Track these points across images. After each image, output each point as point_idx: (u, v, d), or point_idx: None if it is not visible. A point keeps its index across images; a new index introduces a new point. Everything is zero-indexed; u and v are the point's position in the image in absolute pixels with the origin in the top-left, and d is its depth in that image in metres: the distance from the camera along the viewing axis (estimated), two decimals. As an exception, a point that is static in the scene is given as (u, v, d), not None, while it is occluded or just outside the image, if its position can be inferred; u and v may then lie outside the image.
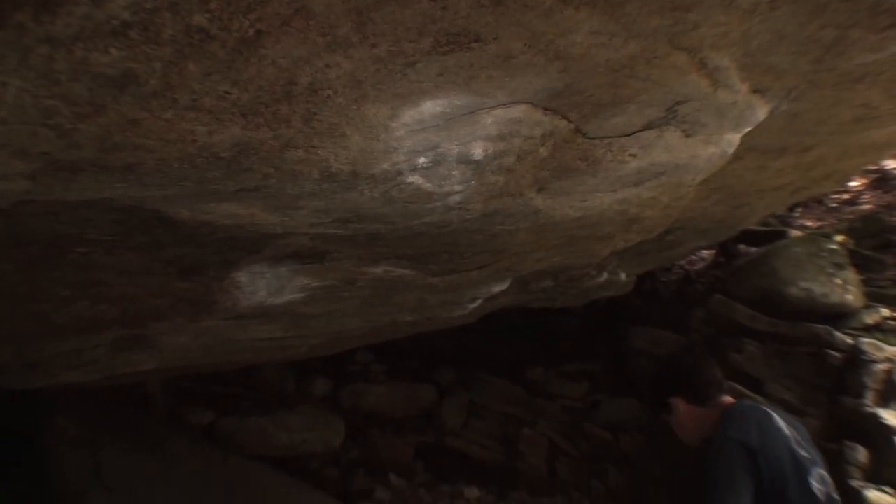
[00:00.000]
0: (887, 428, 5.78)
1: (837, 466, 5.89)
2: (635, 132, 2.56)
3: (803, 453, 3.04)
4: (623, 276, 6.18)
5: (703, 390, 3.35)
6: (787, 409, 6.51)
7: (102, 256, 2.57)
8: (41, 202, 1.96)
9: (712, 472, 3.01)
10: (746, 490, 2.89)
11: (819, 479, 3.02)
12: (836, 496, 3.06)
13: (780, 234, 8.23)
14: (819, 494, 2.98)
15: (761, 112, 2.82)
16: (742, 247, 8.52)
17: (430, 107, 1.85)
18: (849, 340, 6.52)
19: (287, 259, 3.08)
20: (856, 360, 6.34)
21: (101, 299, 2.98)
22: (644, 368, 8.21)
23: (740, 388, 6.75)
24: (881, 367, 6.19)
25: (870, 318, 6.76)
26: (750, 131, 3.01)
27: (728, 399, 3.34)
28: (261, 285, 3.23)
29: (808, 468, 3.01)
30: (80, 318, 3.07)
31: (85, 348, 3.55)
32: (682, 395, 3.37)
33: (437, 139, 2.06)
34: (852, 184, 8.92)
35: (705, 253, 8.97)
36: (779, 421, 3.13)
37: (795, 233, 8.26)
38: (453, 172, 2.31)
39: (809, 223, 8.78)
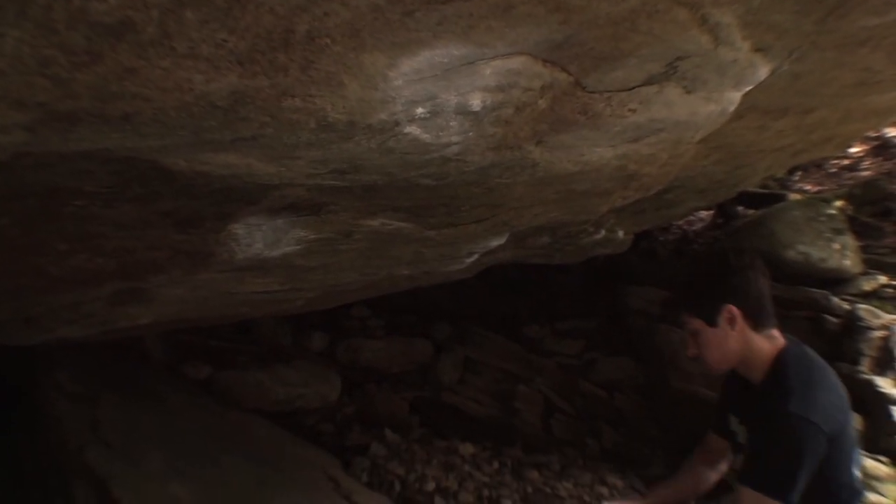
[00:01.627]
0: (883, 396, 5.82)
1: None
2: (635, 87, 2.55)
3: (853, 432, 2.76)
4: (621, 233, 6.18)
5: (765, 308, 2.90)
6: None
7: (100, 209, 2.56)
8: (39, 154, 1.96)
9: (782, 459, 2.58)
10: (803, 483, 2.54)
11: (859, 466, 2.81)
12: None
13: (779, 197, 8.26)
14: (858, 486, 2.78)
15: (762, 71, 2.81)
16: (741, 208, 8.56)
17: (429, 56, 1.84)
18: (846, 306, 6.57)
19: (284, 211, 3.07)
20: (852, 327, 6.38)
21: (99, 252, 2.98)
22: (640, 328, 8.24)
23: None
24: (877, 334, 6.24)
25: (867, 285, 6.81)
26: (751, 90, 3.00)
27: (779, 335, 2.93)
28: (257, 237, 3.23)
29: (856, 454, 2.80)
30: (79, 271, 3.08)
31: (83, 302, 3.56)
32: (739, 307, 2.82)
33: (436, 89, 2.05)
34: (853, 150, 8.96)
35: (704, 213, 9.00)
36: (841, 386, 2.81)
37: (794, 196, 8.27)
38: (451, 123, 2.31)
39: (809, 187, 8.82)
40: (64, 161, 2.08)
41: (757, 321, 2.84)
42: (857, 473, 2.77)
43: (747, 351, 2.84)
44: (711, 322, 2.84)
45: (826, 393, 2.68)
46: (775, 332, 2.91)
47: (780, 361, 2.80)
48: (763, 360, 2.83)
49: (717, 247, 7.63)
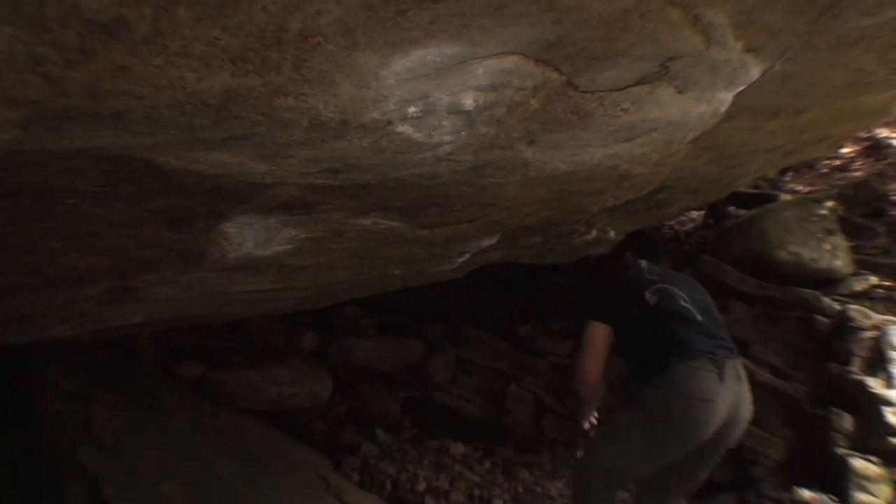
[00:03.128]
0: (874, 396, 5.83)
1: (823, 433, 5.95)
2: (627, 87, 2.55)
3: (650, 276, 4.03)
4: (612, 233, 6.18)
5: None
6: (774, 372, 6.60)
7: (92, 207, 2.56)
8: (31, 152, 1.95)
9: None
10: None
11: (656, 291, 3.92)
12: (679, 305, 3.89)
13: (771, 198, 8.27)
14: (651, 302, 3.88)
15: (755, 71, 2.82)
16: (732, 208, 8.56)
17: (421, 56, 1.84)
18: (837, 306, 6.59)
19: (275, 210, 3.07)
20: (843, 327, 6.40)
21: (92, 251, 2.98)
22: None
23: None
24: (868, 334, 6.25)
25: (858, 285, 6.83)
26: (743, 91, 3.01)
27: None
28: (249, 236, 3.23)
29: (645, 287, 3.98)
30: (71, 269, 3.07)
31: (76, 300, 3.56)
32: None
33: (428, 89, 2.05)
34: (844, 150, 8.98)
35: (695, 214, 9.01)
36: (642, 263, 4.25)
37: (786, 196, 8.28)
38: (443, 123, 2.31)
39: (800, 188, 8.83)
40: (56, 159, 2.08)
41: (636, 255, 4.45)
42: (650, 295, 3.96)
43: None
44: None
45: (621, 265, 4.43)
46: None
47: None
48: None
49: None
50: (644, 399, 3.67)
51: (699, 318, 3.73)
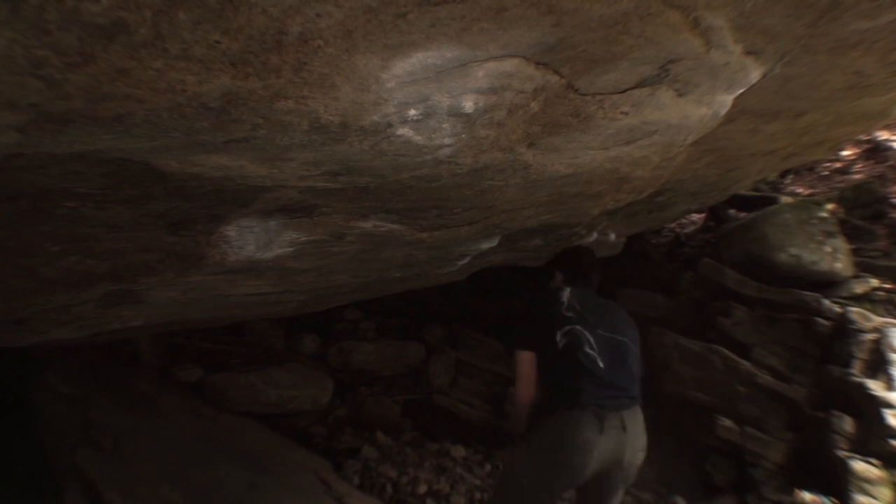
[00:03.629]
0: (874, 398, 5.83)
1: (823, 435, 5.95)
2: (627, 90, 2.55)
3: (568, 314, 3.98)
4: (613, 236, 6.19)
5: (574, 273, 4.41)
6: (774, 375, 6.60)
7: (92, 210, 2.56)
8: (30, 155, 1.95)
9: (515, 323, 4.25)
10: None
11: (566, 334, 3.91)
12: (588, 347, 3.90)
13: (771, 200, 8.26)
14: (560, 345, 3.87)
15: (754, 74, 2.82)
16: (732, 211, 8.55)
17: (422, 59, 1.84)
18: (837, 309, 6.58)
19: (276, 213, 3.07)
20: (844, 329, 6.40)
21: (91, 254, 2.97)
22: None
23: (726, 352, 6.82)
24: (869, 336, 6.24)
25: (859, 288, 6.82)
26: (743, 94, 3.01)
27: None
28: (249, 239, 3.23)
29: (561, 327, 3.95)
30: (70, 272, 3.07)
31: (74, 304, 3.55)
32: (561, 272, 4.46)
33: (428, 91, 2.05)
34: (844, 153, 8.97)
35: (696, 216, 9.01)
36: (566, 293, 4.14)
37: (786, 199, 8.27)
38: (444, 125, 2.31)
39: (800, 190, 8.81)
40: (55, 162, 2.07)
41: (566, 276, 4.40)
42: (560, 337, 3.90)
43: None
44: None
45: (545, 294, 4.25)
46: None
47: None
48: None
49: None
50: (537, 433, 3.85)
51: (601, 365, 3.78)
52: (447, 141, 2.45)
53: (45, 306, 3.48)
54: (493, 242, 4.59)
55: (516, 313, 4.33)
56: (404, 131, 2.26)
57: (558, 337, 3.82)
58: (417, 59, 1.84)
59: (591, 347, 3.79)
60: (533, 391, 3.91)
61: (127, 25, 1.37)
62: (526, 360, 3.92)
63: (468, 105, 2.23)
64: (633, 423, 3.87)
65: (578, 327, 3.85)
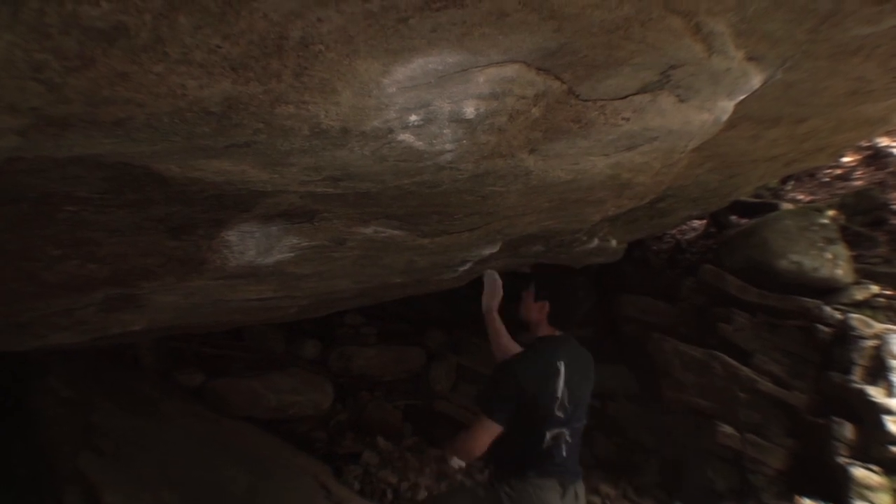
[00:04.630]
0: (875, 405, 5.84)
1: (824, 442, 5.95)
2: (629, 95, 2.55)
3: (559, 413, 3.68)
4: (614, 242, 6.19)
5: (564, 316, 3.90)
6: (775, 381, 6.61)
7: (93, 214, 2.56)
8: (31, 159, 1.95)
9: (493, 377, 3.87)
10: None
11: (554, 436, 3.70)
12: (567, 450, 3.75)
13: (772, 207, 8.26)
14: (546, 445, 3.69)
15: (756, 80, 2.82)
16: (734, 218, 8.55)
17: (423, 64, 1.84)
18: (838, 315, 6.59)
19: (277, 218, 3.07)
20: (845, 336, 6.40)
21: (92, 258, 2.97)
22: (634, 336, 8.25)
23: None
24: (870, 343, 6.25)
25: (860, 294, 6.82)
26: (744, 100, 3.01)
27: (561, 333, 3.90)
28: (250, 245, 3.23)
29: (550, 423, 3.69)
30: (71, 276, 3.07)
31: (75, 308, 3.55)
32: (550, 308, 3.84)
33: (429, 97, 2.05)
34: (845, 159, 8.96)
35: (697, 223, 9.00)
36: (561, 378, 3.70)
37: (787, 206, 8.27)
38: (445, 131, 2.31)
39: (801, 197, 8.81)
40: (56, 166, 2.07)
41: (553, 318, 3.85)
42: (549, 438, 3.67)
43: (534, 326, 3.93)
44: (537, 299, 3.88)
45: (539, 365, 3.71)
46: (560, 332, 3.89)
47: (539, 338, 3.88)
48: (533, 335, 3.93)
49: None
50: (502, 497, 3.76)
51: (569, 440, 3.75)
52: (448, 147, 2.44)
53: (46, 310, 3.48)
54: (495, 248, 4.59)
55: (500, 366, 3.71)
56: (405, 137, 2.25)
57: (547, 437, 3.67)
58: (418, 65, 1.84)
59: (566, 441, 3.75)
60: (478, 457, 3.83)
61: (127, 29, 1.37)
62: (490, 432, 3.63)
63: (469, 111, 2.23)
64: (583, 493, 3.95)
65: (565, 430, 3.74)
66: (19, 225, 2.52)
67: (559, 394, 3.66)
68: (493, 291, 4.47)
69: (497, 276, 4.48)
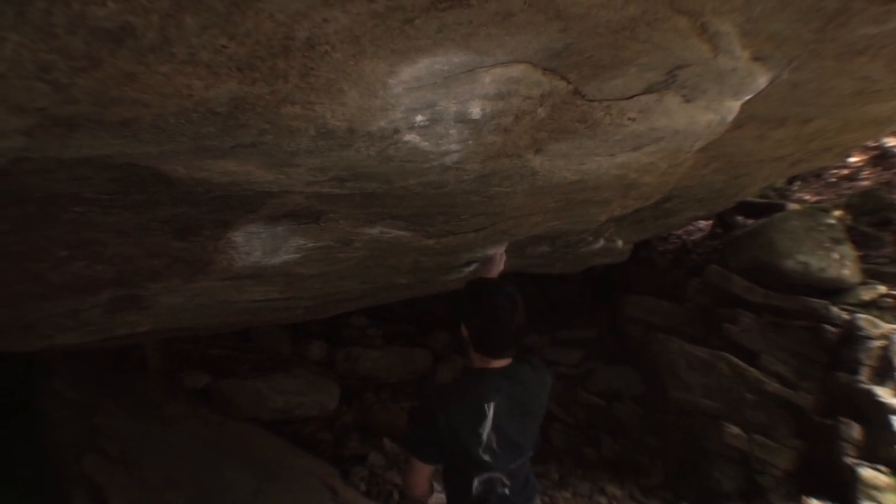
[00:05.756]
0: (882, 405, 5.83)
1: (831, 442, 5.94)
2: (635, 95, 2.55)
3: (486, 457, 3.23)
4: (620, 243, 6.18)
5: (488, 340, 3.26)
6: (782, 382, 6.60)
7: (99, 215, 2.56)
8: (38, 160, 1.95)
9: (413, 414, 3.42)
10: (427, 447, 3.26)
11: (484, 481, 3.31)
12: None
13: (778, 207, 8.26)
14: (476, 491, 3.30)
15: (762, 80, 2.82)
16: (740, 218, 8.55)
17: (429, 64, 1.84)
18: (845, 316, 6.58)
19: (283, 218, 3.07)
20: (852, 336, 6.39)
21: (98, 259, 2.97)
22: (639, 337, 8.25)
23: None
24: (877, 343, 6.24)
25: (867, 295, 6.82)
26: (750, 100, 3.01)
27: (497, 361, 3.28)
28: (256, 245, 3.23)
29: (479, 472, 3.28)
30: (77, 277, 3.07)
31: (82, 309, 3.55)
32: (468, 330, 3.27)
33: (435, 97, 2.05)
34: (852, 160, 8.96)
35: (703, 223, 9.00)
36: (487, 423, 3.22)
37: (793, 206, 8.27)
38: (451, 131, 2.31)
39: (808, 197, 8.81)
40: (63, 167, 2.07)
41: (478, 345, 3.27)
42: (478, 484, 3.28)
43: (468, 358, 3.39)
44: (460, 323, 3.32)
45: (462, 405, 3.21)
46: (494, 360, 3.27)
47: (466, 371, 3.38)
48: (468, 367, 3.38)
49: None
50: None
51: (507, 482, 3.36)
52: (454, 147, 2.44)
53: (51, 311, 3.49)
54: (501, 249, 4.58)
55: (420, 405, 3.24)
56: (411, 137, 2.25)
57: (475, 484, 3.30)
58: (424, 65, 1.84)
59: (504, 485, 3.54)
60: (426, 494, 3.53)
61: (134, 30, 1.37)
62: (423, 472, 3.37)
63: (475, 111, 2.23)
64: None
65: (497, 474, 3.35)
66: (26, 226, 2.52)
67: (484, 438, 3.23)
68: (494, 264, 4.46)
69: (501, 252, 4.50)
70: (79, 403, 5.52)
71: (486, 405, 3.19)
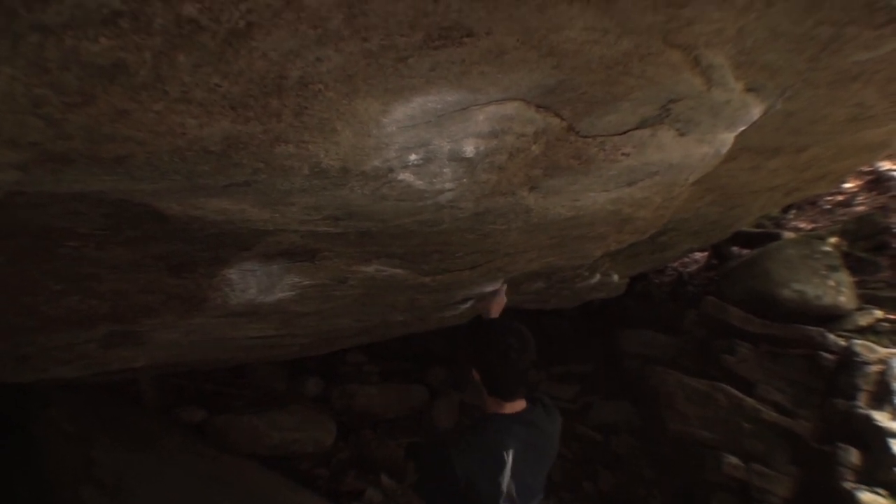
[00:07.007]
0: (881, 429, 5.81)
1: (830, 468, 5.92)
2: (628, 130, 2.55)
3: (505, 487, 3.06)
4: (615, 277, 6.18)
5: (501, 382, 3.12)
6: (779, 410, 6.58)
7: (93, 251, 2.56)
8: (32, 194, 1.95)
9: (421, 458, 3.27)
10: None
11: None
12: None
13: (774, 236, 8.26)
14: None
15: (756, 111, 2.82)
16: (735, 249, 8.56)
17: (422, 103, 1.84)
18: (842, 342, 6.58)
19: (278, 257, 3.07)
20: (849, 362, 6.39)
21: (93, 294, 2.97)
22: (636, 370, 8.24)
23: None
24: (874, 368, 6.24)
25: (863, 320, 6.82)
26: (744, 131, 3.01)
27: (510, 405, 3.17)
28: (251, 283, 3.22)
29: None
30: (72, 311, 3.06)
31: (76, 343, 3.54)
32: (479, 374, 3.12)
33: (429, 136, 2.05)
34: (846, 185, 8.97)
35: (698, 255, 9.00)
36: (507, 472, 3.07)
37: (789, 234, 8.28)
38: (444, 170, 2.30)
39: (803, 225, 8.81)
40: (57, 202, 2.07)
41: (491, 388, 3.13)
42: None
43: (481, 403, 3.22)
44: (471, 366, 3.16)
45: (481, 454, 3.00)
46: (508, 403, 3.16)
47: (482, 418, 3.21)
48: (482, 412, 3.23)
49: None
50: None
51: None
52: (448, 185, 2.44)
53: (46, 344, 3.48)
54: (496, 285, 4.58)
55: (435, 453, 3.00)
56: (405, 176, 2.25)
57: None
58: (418, 103, 1.84)
59: None
60: None
61: (127, 67, 1.38)
62: None
63: (469, 149, 2.23)
64: None
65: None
66: (20, 259, 2.52)
67: (504, 488, 3.03)
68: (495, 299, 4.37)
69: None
70: (76, 435, 5.50)
71: (504, 453, 3.03)
